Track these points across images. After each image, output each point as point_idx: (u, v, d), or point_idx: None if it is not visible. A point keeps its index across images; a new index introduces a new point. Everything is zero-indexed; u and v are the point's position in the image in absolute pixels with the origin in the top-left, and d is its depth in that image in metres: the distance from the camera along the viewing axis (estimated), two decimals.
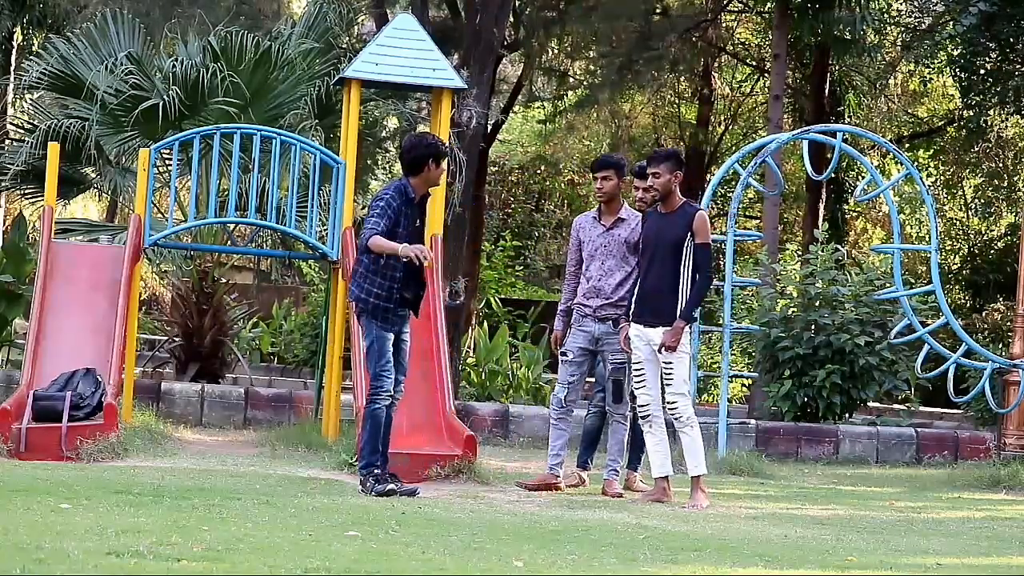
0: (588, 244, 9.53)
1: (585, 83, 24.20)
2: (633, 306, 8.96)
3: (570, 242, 9.75)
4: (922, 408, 18.53)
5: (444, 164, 8.61)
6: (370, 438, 8.51)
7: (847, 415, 14.61)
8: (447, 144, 8.93)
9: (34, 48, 21.75)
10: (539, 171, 32.11)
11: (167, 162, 13.54)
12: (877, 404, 17.06)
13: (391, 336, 8.56)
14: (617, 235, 9.46)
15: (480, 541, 6.38)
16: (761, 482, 10.88)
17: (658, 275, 8.81)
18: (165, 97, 13.54)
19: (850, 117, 24.48)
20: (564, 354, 9.57)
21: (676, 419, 8.87)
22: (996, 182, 27.50)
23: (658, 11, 22.71)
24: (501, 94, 24.69)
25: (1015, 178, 27.37)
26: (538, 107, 28.22)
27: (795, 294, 15.11)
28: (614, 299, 9.36)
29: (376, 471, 8.44)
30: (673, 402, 8.86)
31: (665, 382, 8.89)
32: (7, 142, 15.94)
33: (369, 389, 8.59)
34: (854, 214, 27.87)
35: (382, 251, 8.35)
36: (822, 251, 14.82)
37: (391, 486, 8.35)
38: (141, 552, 5.26)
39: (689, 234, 8.78)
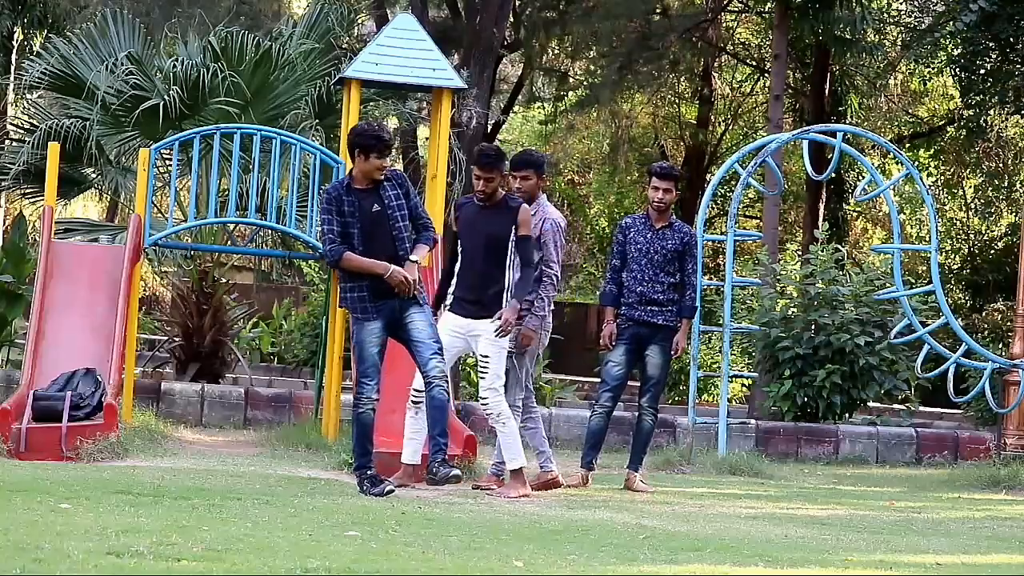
0: None
1: (585, 83, 24.20)
2: (452, 297, 8.97)
3: None
4: (922, 408, 18.52)
5: (377, 159, 8.31)
6: (358, 441, 8.43)
7: (847, 415, 14.61)
8: (388, 137, 8.44)
9: (34, 48, 21.75)
10: None
11: (167, 162, 13.55)
12: (877, 404, 17.06)
13: (375, 332, 8.38)
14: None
15: (480, 541, 6.38)
16: (761, 482, 10.88)
17: (483, 267, 8.81)
18: (166, 97, 13.55)
19: (851, 117, 24.48)
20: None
21: (488, 415, 8.88)
22: (996, 182, 27.53)
23: (658, 11, 22.72)
24: (501, 94, 24.71)
25: (1015, 178, 27.39)
26: (538, 107, 28.22)
27: (795, 294, 15.11)
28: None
29: (369, 472, 8.39)
30: (484, 398, 8.82)
31: (480, 376, 8.86)
32: (7, 142, 15.94)
33: (355, 392, 8.55)
34: (854, 214, 27.88)
35: (359, 270, 8.37)
36: (822, 251, 14.82)
37: (389, 487, 8.34)
38: (141, 552, 5.25)
39: (513, 227, 8.81)
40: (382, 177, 8.41)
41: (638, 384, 10.14)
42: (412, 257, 8.45)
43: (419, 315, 8.45)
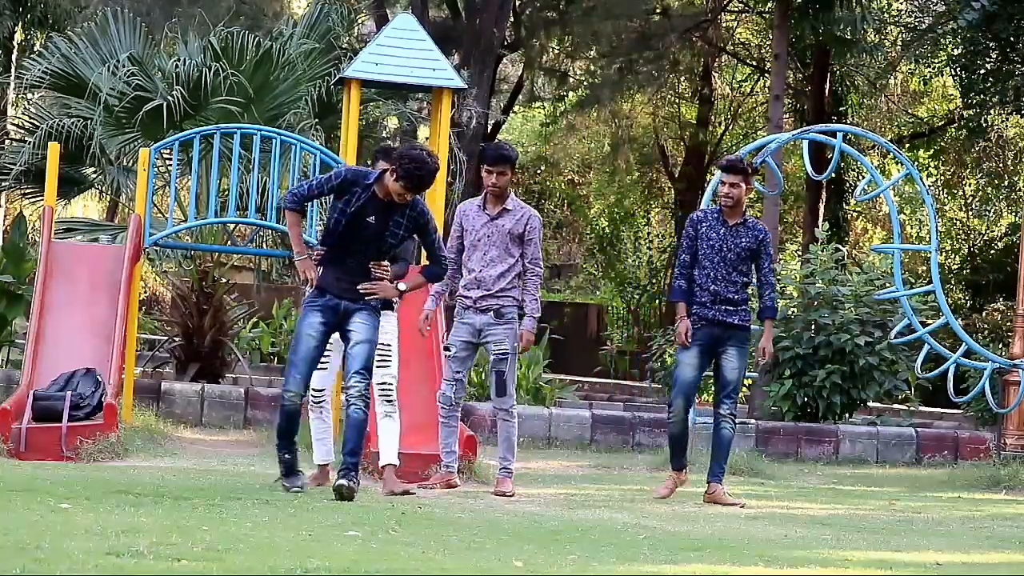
0: (471, 233, 9.20)
1: (585, 83, 24.21)
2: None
3: (452, 228, 9.38)
4: (922, 408, 18.54)
5: (400, 189, 7.90)
6: (279, 428, 8.14)
7: (847, 415, 14.61)
8: (423, 178, 7.98)
9: (35, 48, 21.75)
10: (539, 171, 32.13)
11: (167, 162, 13.56)
12: (877, 404, 17.07)
13: (314, 324, 8.02)
14: (501, 225, 9.18)
15: (480, 541, 6.38)
16: (761, 482, 10.88)
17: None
18: (168, 98, 13.55)
19: (851, 117, 24.48)
20: (447, 349, 9.29)
21: (388, 401, 8.63)
22: (996, 182, 27.54)
23: (658, 11, 22.74)
24: (501, 94, 24.71)
25: (1015, 178, 27.40)
26: (538, 107, 28.23)
27: (795, 294, 15.12)
28: (494, 290, 9.13)
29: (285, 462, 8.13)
30: (389, 384, 8.65)
31: (382, 363, 8.60)
32: (7, 142, 15.95)
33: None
34: (854, 214, 27.89)
35: (289, 233, 8.33)
36: (822, 251, 14.83)
37: (299, 485, 8.05)
38: (141, 552, 5.25)
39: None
40: (399, 201, 8.02)
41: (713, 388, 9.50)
42: (400, 285, 8.21)
43: (361, 319, 8.08)
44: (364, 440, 8.16)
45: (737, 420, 9.33)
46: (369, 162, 16.70)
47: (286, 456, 8.13)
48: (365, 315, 8.07)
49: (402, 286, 8.24)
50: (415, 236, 8.35)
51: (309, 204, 8.45)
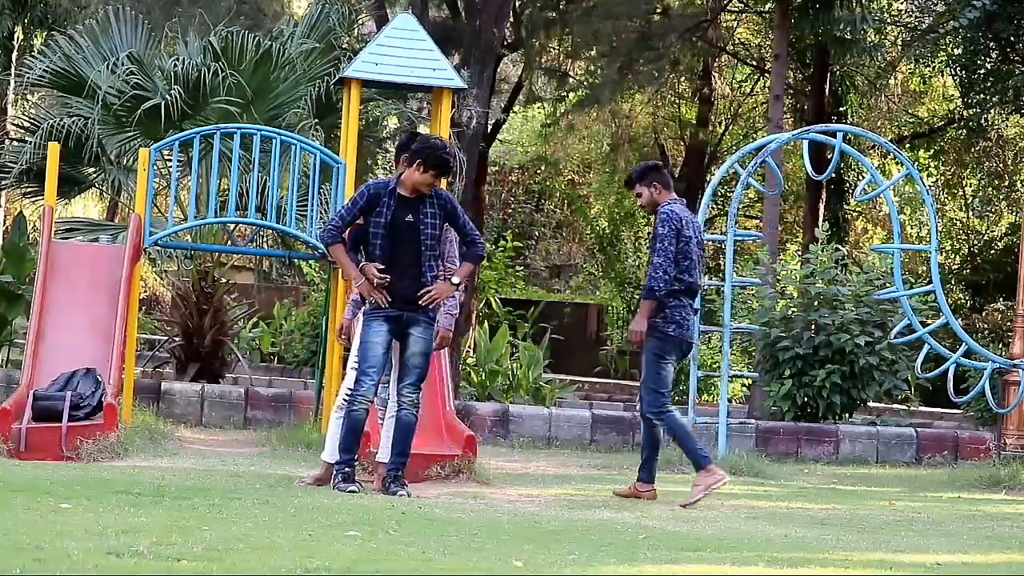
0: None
1: (585, 83, 24.20)
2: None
3: None
4: (922, 408, 18.54)
5: (432, 177, 8.32)
6: (345, 438, 8.41)
7: (847, 415, 14.61)
8: (452, 161, 8.44)
9: (36, 47, 21.75)
10: (539, 171, 32.13)
11: (168, 162, 13.56)
12: (877, 404, 17.07)
13: (380, 332, 8.34)
14: None
15: (480, 541, 6.38)
16: (761, 482, 10.87)
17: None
18: (167, 97, 13.55)
19: (851, 117, 24.49)
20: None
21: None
22: (996, 182, 27.55)
23: (658, 11, 22.71)
24: (501, 94, 24.69)
25: (1015, 178, 27.41)
26: (538, 107, 28.22)
27: (795, 294, 15.12)
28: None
29: (347, 470, 8.38)
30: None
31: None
32: (7, 142, 15.95)
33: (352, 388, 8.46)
34: (854, 214, 27.90)
35: (339, 264, 8.57)
36: (822, 251, 14.83)
37: (353, 488, 8.30)
38: (141, 552, 5.25)
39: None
40: (427, 192, 8.40)
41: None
42: (454, 279, 8.54)
43: (419, 334, 8.43)
44: (411, 442, 8.53)
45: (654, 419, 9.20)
46: (370, 162, 16.69)
47: (346, 470, 8.38)
48: (423, 328, 8.44)
49: (455, 279, 8.59)
50: (447, 224, 8.60)
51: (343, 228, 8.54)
